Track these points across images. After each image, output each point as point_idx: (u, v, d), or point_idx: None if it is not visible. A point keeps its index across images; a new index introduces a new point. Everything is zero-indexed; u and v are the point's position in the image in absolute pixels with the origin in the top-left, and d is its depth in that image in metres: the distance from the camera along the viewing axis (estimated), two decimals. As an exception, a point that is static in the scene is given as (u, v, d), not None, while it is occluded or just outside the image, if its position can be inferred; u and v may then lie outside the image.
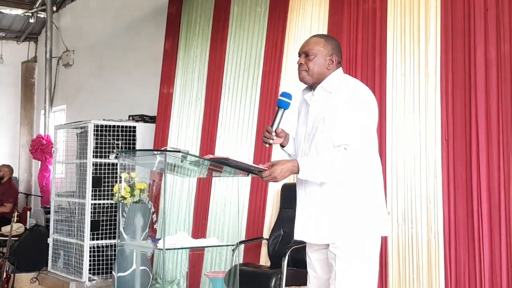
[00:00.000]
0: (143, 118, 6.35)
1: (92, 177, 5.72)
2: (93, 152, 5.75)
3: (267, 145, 2.71)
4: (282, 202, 4.49)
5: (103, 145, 5.79)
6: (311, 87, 2.66)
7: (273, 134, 2.65)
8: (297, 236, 2.67)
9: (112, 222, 5.67)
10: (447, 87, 3.57)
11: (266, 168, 2.51)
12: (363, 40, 4.13)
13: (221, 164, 2.73)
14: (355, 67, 4.14)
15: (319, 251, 2.67)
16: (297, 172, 2.49)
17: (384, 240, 3.75)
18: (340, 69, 2.67)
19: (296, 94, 2.79)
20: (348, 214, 2.53)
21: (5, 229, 7.21)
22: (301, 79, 2.66)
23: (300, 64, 2.64)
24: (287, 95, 2.66)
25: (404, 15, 3.88)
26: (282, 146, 2.80)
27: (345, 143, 2.47)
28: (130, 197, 4.50)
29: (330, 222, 2.54)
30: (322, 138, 2.54)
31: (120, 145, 5.89)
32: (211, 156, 2.72)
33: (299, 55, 2.66)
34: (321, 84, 2.61)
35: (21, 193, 9.25)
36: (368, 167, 2.55)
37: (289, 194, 4.37)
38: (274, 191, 4.68)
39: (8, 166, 8.54)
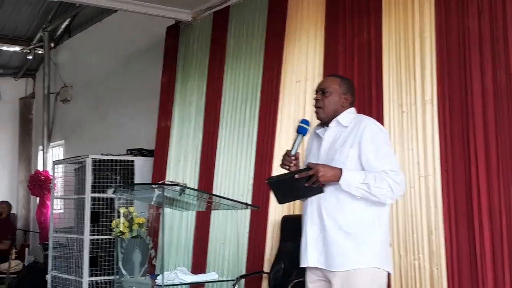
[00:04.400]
0: (141, 152, 6.33)
1: (91, 212, 5.68)
2: (91, 187, 5.72)
3: (287, 168, 2.75)
4: (282, 235, 4.45)
5: (101, 180, 5.76)
6: (324, 123, 2.79)
7: (293, 158, 2.74)
8: (303, 262, 2.69)
9: (111, 258, 5.60)
10: (445, 117, 3.57)
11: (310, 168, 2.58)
12: (359, 71, 4.15)
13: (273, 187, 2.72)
14: (352, 98, 4.14)
15: (320, 281, 2.66)
16: (338, 179, 2.54)
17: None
18: (354, 108, 2.82)
19: (290, 124, 2.86)
20: (362, 244, 2.56)
21: (3, 266, 7.15)
22: (316, 115, 2.80)
23: (316, 100, 2.78)
24: (306, 122, 2.78)
25: (400, 46, 3.90)
26: None
27: (387, 169, 2.56)
28: (129, 232, 4.46)
29: (342, 249, 2.57)
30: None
31: (118, 180, 5.87)
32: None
33: (316, 91, 2.81)
34: (336, 118, 2.74)
35: (19, 229, 9.17)
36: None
37: (289, 227, 4.33)
38: (273, 223, 4.64)
39: (6, 203, 8.49)
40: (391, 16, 4.00)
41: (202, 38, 5.90)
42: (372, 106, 4.01)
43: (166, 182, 3.32)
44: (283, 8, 4.93)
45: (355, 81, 4.15)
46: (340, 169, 2.56)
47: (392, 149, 2.68)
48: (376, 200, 2.56)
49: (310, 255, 2.65)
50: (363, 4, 4.20)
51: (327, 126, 2.77)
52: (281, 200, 2.77)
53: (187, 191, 3.05)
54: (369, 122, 2.70)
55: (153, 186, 3.27)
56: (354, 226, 2.58)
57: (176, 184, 3.05)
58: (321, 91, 2.78)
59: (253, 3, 5.30)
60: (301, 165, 2.80)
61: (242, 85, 5.26)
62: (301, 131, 2.76)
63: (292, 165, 2.73)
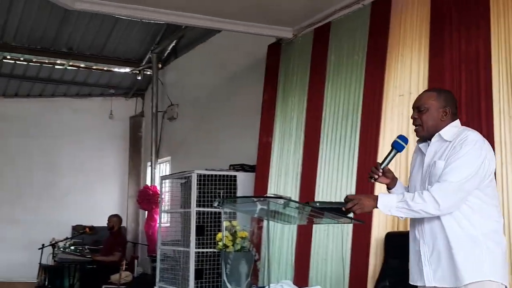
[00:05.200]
0: (243, 167, 6.46)
1: (196, 225, 5.83)
2: (196, 201, 5.88)
3: (372, 180, 2.80)
4: (386, 252, 4.36)
5: (206, 194, 5.91)
6: (427, 138, 2.76)
7: (380, 171, 2.76)
8: (415, 280, 2.70)
9: (216, 271, 5.73)
10: (561, 128, 3.37)
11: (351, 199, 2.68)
12: (466, 82, 4.01)
13: (314, 209, 2.78)
14: (460, 111, 3.98)
15: None
16: (376, 206, 2.62)
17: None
18: (458, 121, 2.74)
19: (393, 139, 2.84)
20: (476, 259, 2.52)
21: (114, 277, 7.43)
22: (416, 134, 2.78)
23: (414, 119, 2.77)
24: (404, 138, 2.78)
25: (510, 54, 3.74)
26: (389, 188, 2.85)
27: (443, 179, 2.54)
28: (232, 245, 4.56)
29: (456, 265, 2.55)
30: (433, 182, 2.60)
31: (222, 194, 6.00)
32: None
33: (413, 110, 2.79)
34: (439, 133, 2.69)
35: (129, 242, 9.56)
36: (480, 209, 2.58)
37: (394, 243, 4.24)
38: (377, 239, 4.55)
39: (117, 216, 8.85)
40: (500, 25, 3.85)
41: (302, 55, 5.95)
42: (481, 119, 3.85)
43: (270, 195, 3.36)
44: (385, 22, 4.87)
45: (462, 94, 4.02)
46: (376, 196, 2.59)
47: (475, 168, 2.54)
48: (422, 215, 2.55)
49: (426, 274, 2.65)
50: (470, 14, 4.07)
51: (430, 141, 2.73)
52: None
53: (291, 204, 3.07)
54: (469, 133, 2.62)
55: (258, 199, 3.32)
56: (466, 241, 2.54)
57: (280, 197, 3.08)
58: (416, 109, 2.75)
59: (354, 18, 5.29)
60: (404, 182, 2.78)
61: (343, 100, 5.24)
62: (396, 146, 2.75)
63: (377, 177, 2.76)
